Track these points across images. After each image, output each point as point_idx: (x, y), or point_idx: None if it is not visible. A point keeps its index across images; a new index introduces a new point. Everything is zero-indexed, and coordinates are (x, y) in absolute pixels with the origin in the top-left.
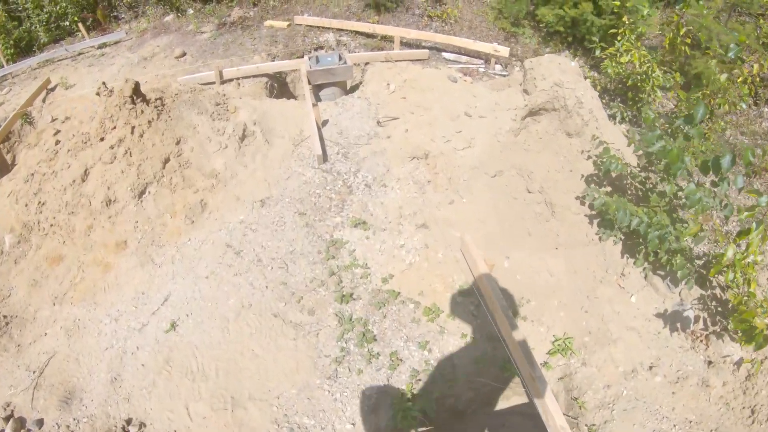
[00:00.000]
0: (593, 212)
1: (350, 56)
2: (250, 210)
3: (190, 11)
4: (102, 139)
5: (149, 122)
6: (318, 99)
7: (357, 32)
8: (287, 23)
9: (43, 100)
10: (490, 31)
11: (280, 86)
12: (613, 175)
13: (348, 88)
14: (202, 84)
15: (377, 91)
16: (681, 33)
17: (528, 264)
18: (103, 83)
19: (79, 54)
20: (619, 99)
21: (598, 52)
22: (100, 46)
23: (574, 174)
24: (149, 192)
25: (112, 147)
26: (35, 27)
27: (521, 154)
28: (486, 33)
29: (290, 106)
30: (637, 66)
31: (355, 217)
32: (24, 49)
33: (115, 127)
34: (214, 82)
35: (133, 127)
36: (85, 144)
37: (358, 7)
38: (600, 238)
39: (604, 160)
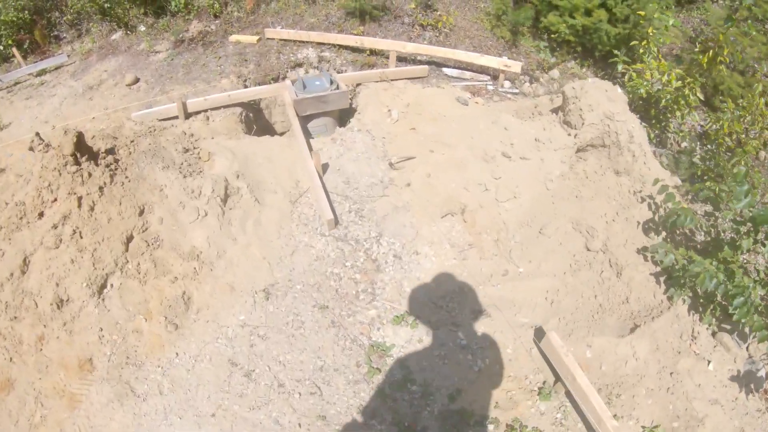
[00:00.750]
0: (658, 268)
1: (340, 77)
2: (252, 305)
3: (142, 28)
4: (41, 215)
5: (100, 189)
6: (306, 132)
7: (341, 46)
8: (257, 38)
9: None
10: (489, 40)
11: (256, 114)
12: (686, 231)
13: (339, 116)
14: (162, 120)
15: (378, 121)
16: (725, 53)
17: (612, 350)
18: (37, 134)
19: (15, 84)
20: (638, 116)
21: (620, 67)
22: (39, 73)
23: (630, 221)
24: (112, 285)
25: (55, 226)
26: None
27: (574, 202)
28: (484, 43)
29: (277, 147)
30: (672, 84)
31: (395, 309)
32: None
33: (56, 199)
34: (176, 117)
35: (79, 198)
36: (21, 221)
37: (339, 17)
38: (669, 298)
39: (678, 216)
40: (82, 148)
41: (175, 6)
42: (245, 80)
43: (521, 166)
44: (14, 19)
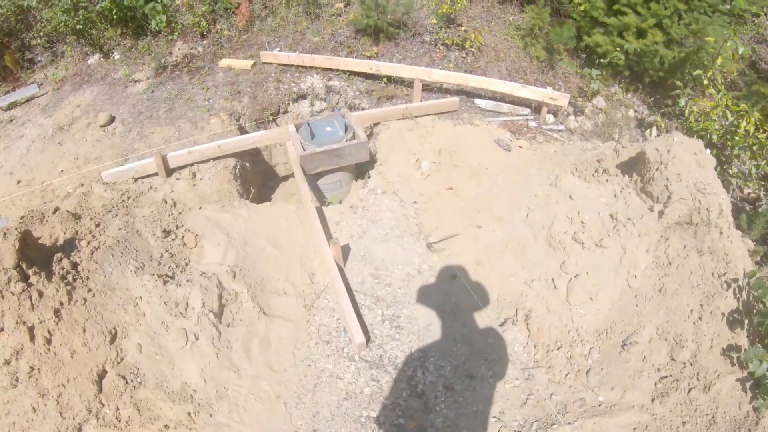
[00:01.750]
0: (745, 372)
1: (355, 117)
2: None
3: (116, 55)
4: None
5: (56, 312)
6: (315, 189)
7: (353, 72)
8: (251, 62)
9: None
10: (521, 60)
11: (253, 157)
12: None
13: (357, 167)
14: (139, 178)
15: (405, 175)
16: None
17: None
18: None
19: None
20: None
21: (683, 101)
22: (9, 107)
23: (715, 315)
24: None
25: (7, 362)
26: None
27: (658, 300)
28: (517, 64)
29: (283, 220)
30: (745, 128)
31: None
32: None
33: (2, 329)
34: (156, 174)
35: (31, 329)
36: None
37: (348, 35)
38: (755, 410)
39: None
40: (29, 253)
41: (156, 24)
42: (238, 117)
43: (598, 257)
44: None
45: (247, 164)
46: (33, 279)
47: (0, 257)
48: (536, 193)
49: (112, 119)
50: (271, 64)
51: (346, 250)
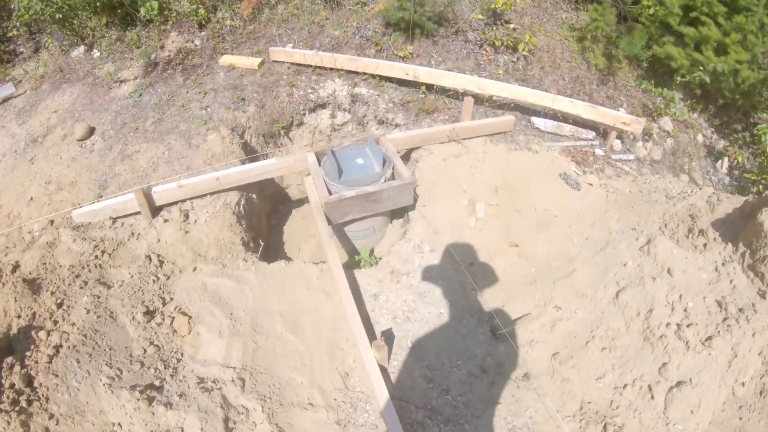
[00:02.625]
0: None
1: (391, 140)
2: None
3: (96, 53)
4: None
5: None
6: (340, 233)
7: (383, 77)
8: (258, 60)
9: None
10: (578, 68)
11: (259, 184)
12: None
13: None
14: (118, 217)
15: (456, 223)
16: None
17: None
18: None
19: None
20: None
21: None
22: None
23: None
24: None
25: None
26: None
27: (759, 407)
28: (575, 73)
29: (303, 292)
30: None
31: None
32: None
33: None
34: (138, 212)
35: None
36: None
37: (376, 29)
38: None
39: None
40: None
41: (147, 12)
42: (242, 132)
43: (704, 360)
44: None
45: (254, 195)
46: None
47: None
48: (625, 261)
49: (91, 131)
50: (283, 63)
51: (389, 339)
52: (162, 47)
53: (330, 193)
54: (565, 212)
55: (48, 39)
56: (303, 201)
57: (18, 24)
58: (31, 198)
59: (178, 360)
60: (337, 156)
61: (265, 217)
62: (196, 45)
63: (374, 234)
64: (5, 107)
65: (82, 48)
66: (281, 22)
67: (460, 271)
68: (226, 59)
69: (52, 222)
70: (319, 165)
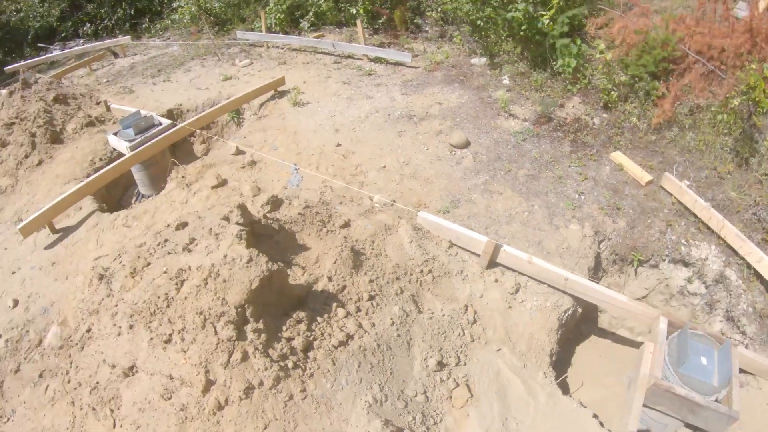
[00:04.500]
0: None
1: (740, 355)
2: None
3: (505, 80)
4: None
5: (247, 390)
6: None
7: (760, 276)
8: (648, 178)
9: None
10: None
11: (586, 304)
12: None
13: None
14: (457, 246)
15: None
16: None
17: None
18: None
19: (340, 62)
20: None
21: None
22: (375, 60)
23: None
24: None
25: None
26: None
27: None
28: None
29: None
30: None
31: None
32: None
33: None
34: (476, 254)
35: (208, 384)
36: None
37: None
38: None
39: None
40: (267, 298)
41: (562, 66)
42: (601, 240)
43: None
44: None
45: (579, 310)
46: (248, 333)
47: (229, 285)
48: None
49: (467, 145)
50: (671, 195)
51: None
52: (561, 106)
53: (659, 376)
54: None
55: (457, 36)
56: (606, 334)
57: (439, 8)
58: (384, 166)
59: (435, 424)
60: (686, 342)
61: (570, 333)
62: (594, 123)
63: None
64: (395, 70)
65: (484, 59)
66: (684, 150)
67: None
68: (617, 156)
69: (393, 203)
70: (666, 337)
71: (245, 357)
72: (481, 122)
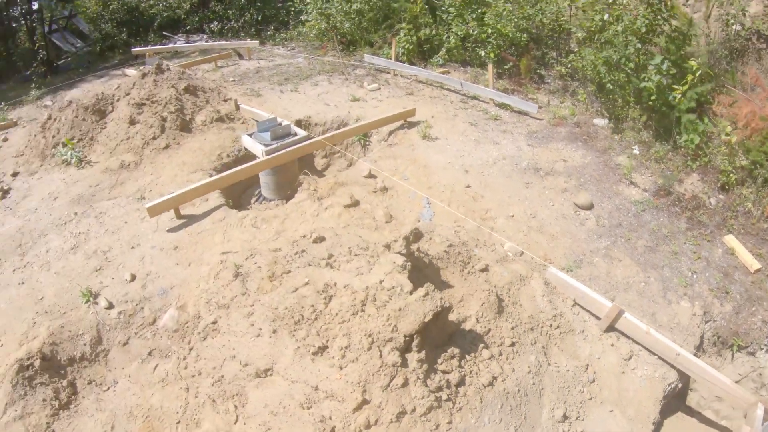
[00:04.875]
0: None
1: None
2: None
3: (636, 150)
4: None
5: (399, 414)
6: None
7: None
8: (757, 266)
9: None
10: None
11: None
12: None
13: None
14: (581, 306)
15: None
16: None
17: None
18: None
19: (471, 99)
20: None
21: None
22: (500, 106)
23: None
24: None
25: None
26: None
27: None
28: None
29: None
30: None
31: None
32: None
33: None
34: (597, 317)
35: (361, 403)
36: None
37: None
38: None
39: None
40: (429, 331)
41: (685, 142)
42: (707, 321)
43: None
44: (510, 34)
45: (679, 385)
46: (412, 361)
47: (403, 314)
48: None
49: (590, 206)
50: None
51: None
52: (680, 181)
53: None
54: None
55: (582, 93)
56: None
57: (568, 64)
58: (512, 215)
59: None
60: None
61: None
62: (710, 203)
63: None
64: (520, 118)
65: (607, 121)
66: None
67: None
68: (729, 239)
69: (522, 253)
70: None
71: (405, 383)
72: (604, 186)
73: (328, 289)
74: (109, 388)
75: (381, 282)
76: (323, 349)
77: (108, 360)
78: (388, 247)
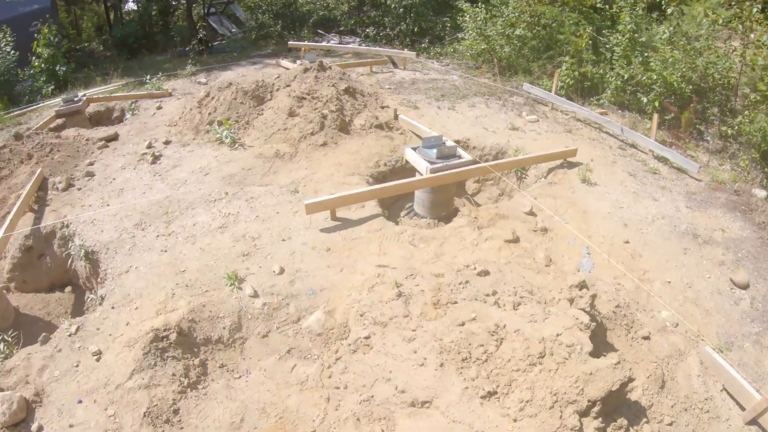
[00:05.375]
0: None
1: None
2: None
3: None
4: None
5: None
6: None
7: None
8: None
9: None
10: None
11: None
12: None
13: None
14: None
15: None
16: None
17: None
18: None
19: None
20: None
21: None
22: (661, 157)
23: None
24: None
25: None
26: None
27: None
28: None
29: None
30: None
31: None
32: None
33: None
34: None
35: None
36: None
37: None
38: None
39: None
40: None
41: None
42: None
43: None
44: (675, 83)
45: None
46: (588, 428)
47: (593, 379)
48: None
49: (747, 286)
50: None
51: None
52: None
53: None
54: None
55: (744, 158)
56: None
57: (736, 126)
58: (670, 282)
59: None
60: None
61: None
62: None
63: None
64: (678, 176)
65: (767, 193)
66: None
67: None
68: None
69: (677, 325)
70: None
71: None
72: (761, 266)
73: (498, 331)
74: (240, 377)
75: (558, 335)
76: (492, 394)
77: (244, 348)
78: (570, 301)
